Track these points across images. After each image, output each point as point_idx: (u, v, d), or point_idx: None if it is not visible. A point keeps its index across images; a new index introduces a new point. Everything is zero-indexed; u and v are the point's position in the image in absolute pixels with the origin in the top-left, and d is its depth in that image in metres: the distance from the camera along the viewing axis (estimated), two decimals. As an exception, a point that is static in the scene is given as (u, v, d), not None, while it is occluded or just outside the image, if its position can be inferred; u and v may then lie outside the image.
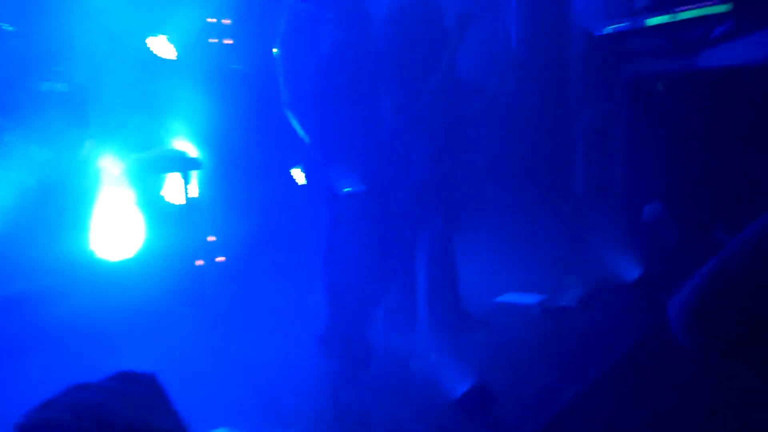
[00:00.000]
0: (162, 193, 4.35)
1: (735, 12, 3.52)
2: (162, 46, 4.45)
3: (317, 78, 3.17)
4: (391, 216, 3.27)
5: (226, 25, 4.75)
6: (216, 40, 4.67)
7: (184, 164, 4.29)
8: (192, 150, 4.40)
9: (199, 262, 4.21)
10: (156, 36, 4.43)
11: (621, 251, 3.61)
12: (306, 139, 3.34)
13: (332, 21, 3.19)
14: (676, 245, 3.50)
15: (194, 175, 4.37)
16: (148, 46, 4.42)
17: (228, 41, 4.73)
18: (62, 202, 3.81)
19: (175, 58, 4.48)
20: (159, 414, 1.00)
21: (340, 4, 3.19)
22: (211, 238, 4.30)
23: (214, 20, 4.69)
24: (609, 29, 3.94)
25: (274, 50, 3.25)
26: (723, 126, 3.49)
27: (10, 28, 4.02)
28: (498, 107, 4.11)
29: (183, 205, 4.29)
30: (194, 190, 4.36)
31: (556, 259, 3.94)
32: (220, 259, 4.24)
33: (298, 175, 4.44)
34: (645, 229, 3.65)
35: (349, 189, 3.19)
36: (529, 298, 3.75)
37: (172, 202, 4.34)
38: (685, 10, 3.66)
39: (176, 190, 4.32)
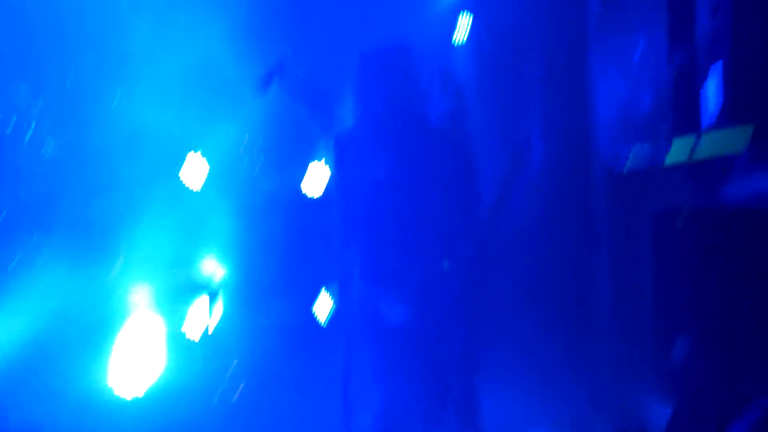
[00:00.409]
0: (188, 317, 4.37)
1: (756, 138, 3.52)
2: (192, 170, 4.56)
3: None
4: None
5: (258, 146, 4.87)
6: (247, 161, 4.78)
7: (210, 289, 4.33)
8: (219, 274, 4.44)
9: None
10: (187, 159, 4.56)
11: (648, 390, 3.50)
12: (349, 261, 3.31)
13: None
14: (708, 384, 3.38)
15: (220, 299, 4.40)
16: (179, 170, 4.55)
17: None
18: (85, 329, 3.87)
19: (205, 181, 4.58)
20: None
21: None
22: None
23: (246, 142, 4.81)
24: (629, 160, 3.96)
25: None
26: (752, 261, 3.42)
27: (51, 152, 4.19)
28: (522, 236, 4.12)
29: (207, 330, 4.31)
30: (219, 315, 4.38)
31: (583, 398, 3.84)
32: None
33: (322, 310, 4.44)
34: (674, 367, 3.54)
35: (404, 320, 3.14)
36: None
37: (198, 327, 4.35)
38: (707, 133, 3.68)
39: (203, 314, 4.35)
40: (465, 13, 4.90)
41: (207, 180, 4.59)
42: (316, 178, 4.57)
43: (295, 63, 3.24)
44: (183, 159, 4.57)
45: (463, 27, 4.98)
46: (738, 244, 3.43)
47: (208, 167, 4.58)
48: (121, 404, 3.91)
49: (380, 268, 3.26)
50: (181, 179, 4.47)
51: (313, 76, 3.28)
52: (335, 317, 3.55)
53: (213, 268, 4.46)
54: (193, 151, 4.57)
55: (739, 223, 3.51)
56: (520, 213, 4.08)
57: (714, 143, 3.63)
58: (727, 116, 3.54)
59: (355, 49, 4.31)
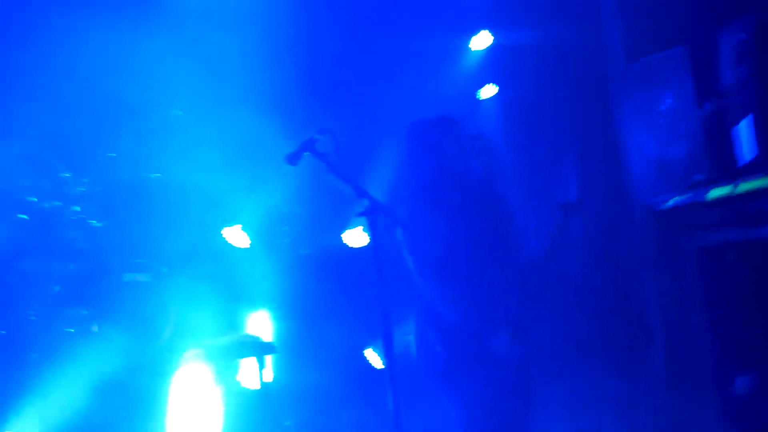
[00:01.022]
0: (238, 378, 4.39)
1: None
2: (237, 236, 4.66)
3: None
4: None
5: (295, 214, 4.98)
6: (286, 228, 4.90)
7: (259, 349, 4.36)
8: (267, 334, 4.49)
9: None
10: (231, 226, 4.67)
11: (714, 428, 3.52)
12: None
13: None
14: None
15: (269, 359, 4.42)
16: (223, 236, 4.64)
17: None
18: (141, 392, 3.88)
19: (249, 246, 4.68)
20: None
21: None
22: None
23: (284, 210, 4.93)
24: (670, 203, 4.05)
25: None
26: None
27: (98, 224, 4.27)
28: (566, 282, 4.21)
29: (258, 390, 4.31)
30: (269, 375, 4.40)
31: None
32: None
33: (374, 358, 4.48)
34: (739, 403, 3.58)
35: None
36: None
37: (247, 387, 4.37)
38: (745, 182, 3.76)
39: (252, 375, 4.36)
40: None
41: (250, 247, 4.69)
42: (357, 238, 4.70)
43: (326, 140, 3.36)
44: (226, 226, 4.68)
45: (490, 90, 5.20)
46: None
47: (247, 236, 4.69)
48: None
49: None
50: (226, 243, 4.57)
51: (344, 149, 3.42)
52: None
53: (261, 329, 4.51)
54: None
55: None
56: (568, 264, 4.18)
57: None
58: (762, 162, 3.66)
59: (384, 122, 4.52)
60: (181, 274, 4.36)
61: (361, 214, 3.24)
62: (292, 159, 3.26)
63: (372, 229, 3.19)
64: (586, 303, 4.54)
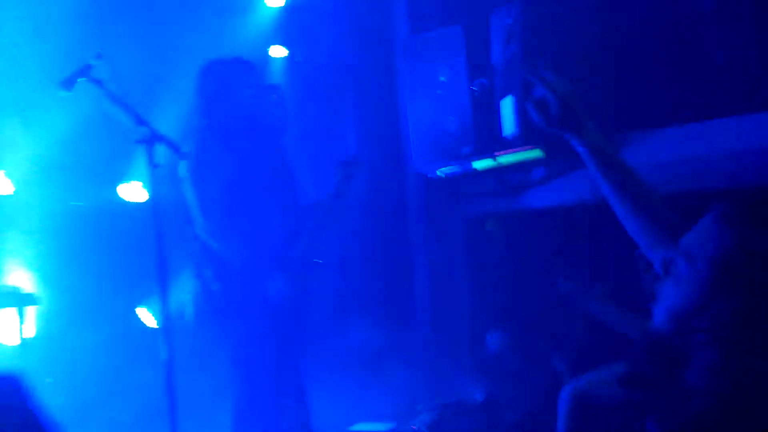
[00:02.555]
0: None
1: (547, 158, 3.97)
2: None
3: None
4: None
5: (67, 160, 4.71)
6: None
7: (18, 300, 4.12)
8: (28, 285, 4.24)
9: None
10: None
11: (467, 378, 3.85)
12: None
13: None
14: (517, 371, 3.79)
15: (31, 311, 4.20)
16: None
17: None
18: None
19: (12, 194, 4.38)
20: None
21: None
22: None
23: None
24: (441, 172, 4.30)
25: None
26: (550, 261, 3.90)
27: None
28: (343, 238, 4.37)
29: (17, 345, 4.09)
30: (30, 329, 4.18)
31: (405, 388, 4.12)
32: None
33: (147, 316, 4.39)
34: (488, 356, 3.93)
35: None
36: (380, 427, 3.87)
37: (5, 342, 4.12)
38: (504, 154, 4.06)
39: (10, 328, 4.12)
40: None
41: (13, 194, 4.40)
42: (134, 193, 4.55)
43: (104, 65, 3.25)
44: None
45: (280, 50, 5.21)
46: (540, 245, 3.92)
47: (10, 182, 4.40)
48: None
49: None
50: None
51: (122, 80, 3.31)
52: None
53: (20, 279, 4.25)
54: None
55: (539, 226, 4.00)
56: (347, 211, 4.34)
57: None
58: (521, 139, 3.97)
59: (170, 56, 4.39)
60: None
61: (139, 142, 3.18)
62: (67, 84, 3.13)
63: (150, 161, 3.16)
64: (359, 260, 4.74)
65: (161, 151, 3.30)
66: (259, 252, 3.39)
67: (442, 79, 4.43)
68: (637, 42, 3.89)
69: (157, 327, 3.33)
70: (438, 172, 4.30)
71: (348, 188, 3.59)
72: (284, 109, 3.84)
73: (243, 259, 3.40)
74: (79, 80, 3.19)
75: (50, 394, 3.98)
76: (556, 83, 2.12)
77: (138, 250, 4.10)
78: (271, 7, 5.17)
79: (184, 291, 3.74)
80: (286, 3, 5.10)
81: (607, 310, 3.17)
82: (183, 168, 3.37)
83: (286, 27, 5.13)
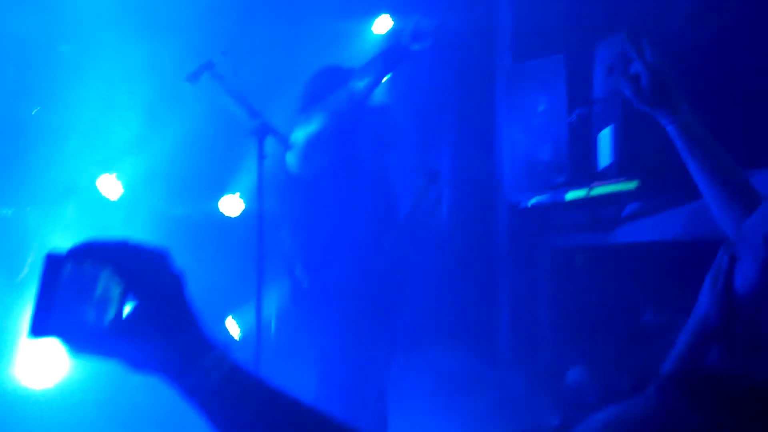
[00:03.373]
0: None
1: (642, 191, 3.86)
2: (109, 185, 4.60)
3: None
4: None
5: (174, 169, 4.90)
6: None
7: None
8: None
9: None
10: (107, 173, 4.59)
11: (545, 411, 3.76)
12: None
13: None
14: (598, 407, 3.68)
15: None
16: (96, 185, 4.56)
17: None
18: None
19: (118, 198, 4.60)
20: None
21: None
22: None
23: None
24: (531, 202, 4.27)
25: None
26: (637, 297, 3.78)
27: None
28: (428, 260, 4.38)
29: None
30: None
31: (480, 417, 4.05)
32: None
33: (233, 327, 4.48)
34: (569, 390, 3.85)
35: None
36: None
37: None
38: (598, 186, 3.99)
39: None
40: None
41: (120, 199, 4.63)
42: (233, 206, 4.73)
43: (227, 62, 3.41)
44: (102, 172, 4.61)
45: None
46: (628, 281, 3.81)
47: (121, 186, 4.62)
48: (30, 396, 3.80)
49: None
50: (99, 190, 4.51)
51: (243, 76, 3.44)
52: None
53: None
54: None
55: (630, 262, 3.89)
56: (432, 230, 4.35)
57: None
58: (617, 170, 3.89)
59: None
60: (46, 215, 4.28)
61: (251, 133, 3.30)
62: (192, 78, 3.30)
63: (259, 152, 3.26)
64: (442, 284, 4.73)
65: (271, 144, 3.43)
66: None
67: (540, 108, 4.41)
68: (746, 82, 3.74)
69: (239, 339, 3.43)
70: (529, 203, 4.27)
71: (424, 203, 3.58)
72: (392, 128, 3.89)
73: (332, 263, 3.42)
74: (203, 75, 3.36)
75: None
76: (655, 61, 2.11)
77: (234, 260, 4.27)
78: (377, 34, 5.29)
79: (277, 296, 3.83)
80: (392, 28, 5.20)
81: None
82: (290, 158, 3.37)
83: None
